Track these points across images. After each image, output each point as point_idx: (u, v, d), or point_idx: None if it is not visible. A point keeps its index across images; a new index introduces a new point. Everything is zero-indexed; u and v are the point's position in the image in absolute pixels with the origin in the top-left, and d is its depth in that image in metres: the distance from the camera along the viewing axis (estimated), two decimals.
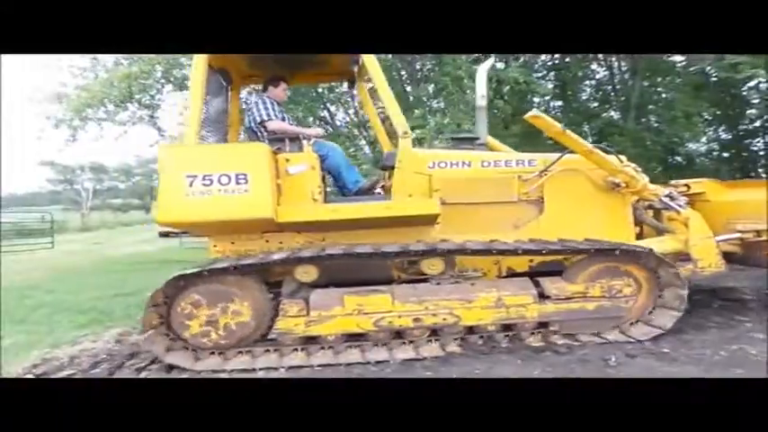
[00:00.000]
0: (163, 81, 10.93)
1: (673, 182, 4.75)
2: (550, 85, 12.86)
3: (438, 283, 3.71)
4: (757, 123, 14.12)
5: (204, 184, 3.47)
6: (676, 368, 3.10)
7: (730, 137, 14.45)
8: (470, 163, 4.16)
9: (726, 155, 14.60)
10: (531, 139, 9.55)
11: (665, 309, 3.69)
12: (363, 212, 3.76)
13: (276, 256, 3.50)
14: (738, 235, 4.11)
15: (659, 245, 3.93)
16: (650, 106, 12.76)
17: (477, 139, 4.50)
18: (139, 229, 24.92)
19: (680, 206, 4.04)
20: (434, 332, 3.66)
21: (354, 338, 3.62)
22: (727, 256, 4.05)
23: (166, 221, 3.61)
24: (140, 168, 45.20)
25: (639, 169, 4.10)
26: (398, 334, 3.63)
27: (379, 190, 4.44)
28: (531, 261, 4.08)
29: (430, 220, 3.89)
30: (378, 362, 3.42)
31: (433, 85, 10.61)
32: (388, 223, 3.90)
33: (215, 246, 4.00)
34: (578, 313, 3.64)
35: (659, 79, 13.00)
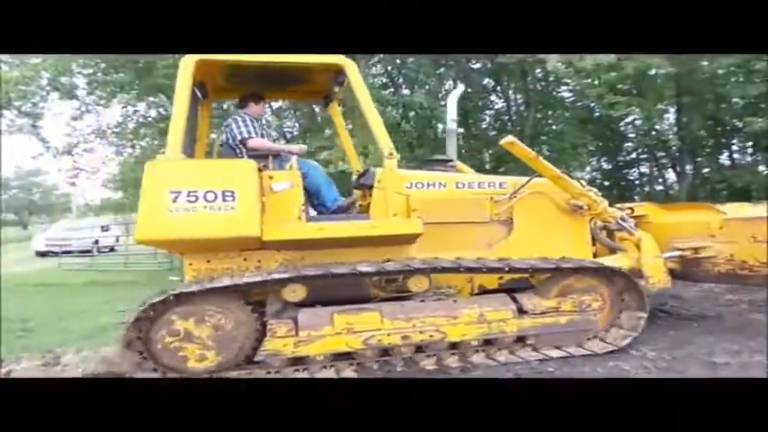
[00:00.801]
0: (48, 89, 10.27)
1: (618, 205, 5.20)
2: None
3: (422, 301, 3.82)
4: (633, 155, 16.31)
5: (189, 201, 3.37)
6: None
7: (611, 167, 16.53)
8: (446, 184, 4.34)
9: (607, 183, 16.47)
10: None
11: (632, 315, 4.03)
12: (349, 231, 3.80)
13: (285, 275, 3.49)
14: (679, 253, 4.57)
15: (616, 263, 4.29)
16: (543, 137, 14.08)
17: (451, 160, 4.70)
18: (15, 248, 22.28)
19: (632, 228, 4.44)
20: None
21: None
22: (670, 273, 4.50)
23: (147, 239, 3.45)
24: (18, 181, 41.85)
25: (600, 194, 4.47)
26: (385, 352, 3.68)
27: (356, 208, 4.49)
28: (501, 278, 4.30)
29: (412, 239, 4.00)
30: None
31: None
32: (368, 242, 3.96)
33: (190, 264, 3.86)
34: (552, 327, 3.88)
35: (550, 112, 14.53)
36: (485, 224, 4.40)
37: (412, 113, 10.99)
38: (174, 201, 3.35)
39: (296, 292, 3.61)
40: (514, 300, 3.89)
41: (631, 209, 4.99)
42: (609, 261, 4.26)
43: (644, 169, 16.76)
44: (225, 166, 3.73)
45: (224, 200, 3.42)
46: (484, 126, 15.20)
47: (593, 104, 12.19)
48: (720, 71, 11.65)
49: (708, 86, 12.50)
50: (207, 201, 3.40)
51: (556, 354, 3.82)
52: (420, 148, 11.89)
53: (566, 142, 13.24)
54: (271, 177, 3.78)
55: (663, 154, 15.08)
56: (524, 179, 4.45)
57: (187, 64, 3.67)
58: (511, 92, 14.53)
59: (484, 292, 4.26)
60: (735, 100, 12.61)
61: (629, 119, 13.68)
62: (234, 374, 3.32)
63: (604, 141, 15.58)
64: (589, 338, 3.99)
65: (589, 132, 14.18)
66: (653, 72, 11.19)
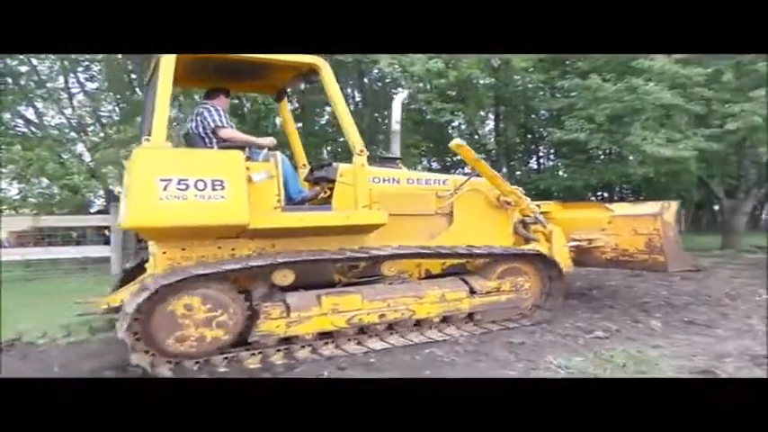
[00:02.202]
0: None
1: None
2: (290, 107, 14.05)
3: (390, 284, 4.25)
4: (458, 157, 18.03)
5: (179, 189, 3.43)
6: (377, 376, 3.34)
7: (439, 167, 18.06)
8: (399, 180, 4.82)
9: None
10: None
11: (553, 297, 4.89)
12: (325, 221, 4.11)
13: (282, 258, 3.74)
14: (576, 243, 5.59)
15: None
16: (379, 135, 14.85)
17: (399, 158, 5.19)
18: None
19: (545, 221, 5.34)
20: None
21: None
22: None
23: (136, 226, 3.45)
24: None
25: (524, 192, 5.29)
26: (361, 330, 4.05)
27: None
28: (444, 264, 4.89)
29: (375, 228, 4.41)
30: None
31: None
32: (335, 231, 4.28)
33: (164, 252, 3.85)
34: (495, 305, 4.58)
35: (386, 112, 15.20)
36: (430, 216, 4.96)
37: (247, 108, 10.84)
38: (165, 189, 3.39)
39: (286, 277, 3.82)
40: (466, 282, 4.50)
41: (538, 205, 5.93)
42: (538, 250, 5.09)
43: (467, 170, 18.65)
44: (213, 156, 3.81)
45: (213, 188, 3.53)
46: (323, 123, 15.30)
47: (424, 107, 13.04)
48: (530, 86, 13.56)
49: (520, 98, 14.43)
50: (197, 189, 3.49)
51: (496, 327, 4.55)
52: None
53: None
54: (248, 168, 3.92)
55: (483, 156, 16.88)
56: (463, 178, 5.12)
57: (169, 62, 3.66)
58: (348, 90, 14.87)
59: (428, 276, 4.81)
60: (542, 112, 14.76)
61: (455, 123, 15.24)
62: (233, 375, 3.40)
63: (434, 143, 16.64)
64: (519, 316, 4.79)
65: (420, 134, 15.13)
66: (474, 81, 12.49)
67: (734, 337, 4.34)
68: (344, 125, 4.30)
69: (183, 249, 3.87)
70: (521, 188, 5.32)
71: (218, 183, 3.55)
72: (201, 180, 3.50)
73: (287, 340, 3.81)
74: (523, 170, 16.52)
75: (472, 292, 4.46)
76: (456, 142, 4.70)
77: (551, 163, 16.80)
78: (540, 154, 17.42)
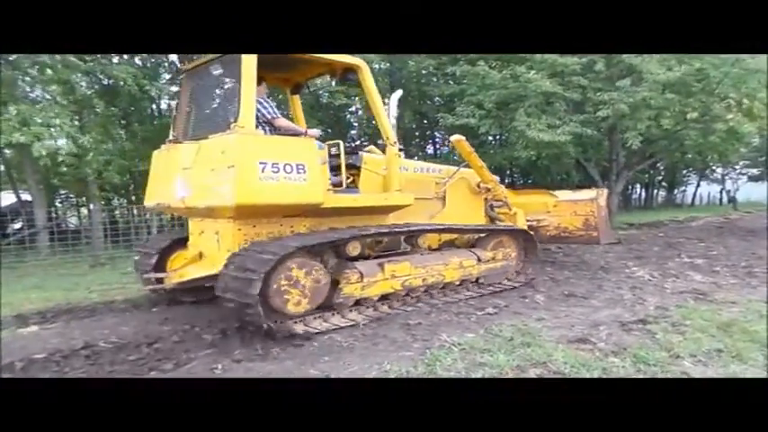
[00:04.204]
0: None
1: None
2: (174, 88, 12.83)
3: (422, 254, 5.07)
4: (358, 142, 18.89)
5: (273, 171, 3.96)
6: (274, 365, 3.36)
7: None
8: (408, 168, 5.63)
9: None
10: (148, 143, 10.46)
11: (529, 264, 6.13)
12: (372, 201, 4.82)
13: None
14: (528, 223, 6.89)
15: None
16: None
17: (402, 150, 5.96)
18: None
19: (511, 205, 6.55)
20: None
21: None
22: None
23: (243, 203, 3.85)
24: None
25: (499, 179, 6.42)
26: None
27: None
28: (440, 240, 5.81)
29: (402, 208, 5.17)
30: None
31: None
32: (374, 210, 4.98)
33: (239, 229, 4.25)
34: (493, 270, 5.65)
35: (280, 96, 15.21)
36: (430, 200, 5.85)
37: (122, 85, 9.78)
38: (263, 171, 3.90)
39: (356, 248, 4.46)
40: (473, 253, 5.49)
41: None
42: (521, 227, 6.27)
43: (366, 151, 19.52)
44: (296, 143, 4.29)
45: (297, 172, 4.09)
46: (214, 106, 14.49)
47: (320, 92, 12.88)
48: (423, 71, 13.98)
49: (414, 84, 14.80)
50: (285, 172, 4.03)
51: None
52: (131, 126, 11.81)
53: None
54: None
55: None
56: (454, 168, 6.09)
57: (252, 60, 4.07)
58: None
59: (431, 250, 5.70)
60: (436, 98, 15.09)
61: (352, 108, 15.06)
62: (233, 375, 3.29)
63: (333, 128, 16.33)
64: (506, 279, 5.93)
65: (317, 118, 14.63)
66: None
67: (607, 306, 4.84)
68: (380, 120, 5.03)
69: (254, 226, 4.33)
70: (497, 177, 6.45)
71: (301, 167, 4.11)
72: (289, 164, 4.04)
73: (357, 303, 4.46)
74: (420, 155, 16.92)
75: (479, 260, 5.45)
76: (457, 138, 5.65)
77: (446, 149, 17.00)
78: (437, 139, 17.99)
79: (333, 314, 4.31)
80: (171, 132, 4.96)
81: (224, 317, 4.33)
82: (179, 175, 4.38)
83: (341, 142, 4.79)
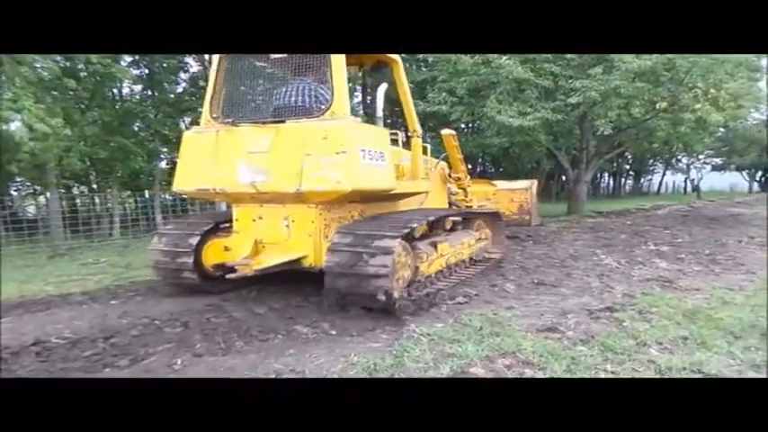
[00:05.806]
0: None
1: None
2: (135, 71, 12.82)
3: (447, 236, 5.22)
4: None
5: (369, 158, 4.08)
6: (237, 359, 3.23)
7: None
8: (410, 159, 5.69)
9: None
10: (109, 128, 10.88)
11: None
12: (412, 188, 5.13)
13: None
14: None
15: None
16: (198, 109, 14.40)
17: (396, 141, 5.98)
18: None
19: (470, 193, 6.76)
20: None
21: None
22: None
23: (353, 188, 3.91)
24: None
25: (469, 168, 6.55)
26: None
27: None
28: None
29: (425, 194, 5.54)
30: None
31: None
32: (404, 196, 5.19)
33: (320, 213, 4.31)
34: (481, 249, 6.01)
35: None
36: None
37: (81, 66, 9.67)
38: (363, 158, 4.00)
39: (420, 230, 4.69)
40: (471, 234, 5.77)
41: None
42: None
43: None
44: (378, 132, 4.47)
45: (381, 159, 4.23)
46: (179, 91, 14.26)
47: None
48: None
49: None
50: (374, 159, 4.17)
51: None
52: (93, 110, 11.40)
53: None
54: None
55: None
56: (436, 160, 6.29)
57: (342, 59, 4.17)
58: (206, 57, 12.79)
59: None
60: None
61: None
62: (230, 375, 3.30)
63: None
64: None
65: None
66: None
67: (575, 294, 4.81)
68: (407, 112, 5.28)
69: (329, 211, 4.38)
70: (469, 166, 6.53)
71: (382, 154, 4.26)
72: (376, 151, 4.18)
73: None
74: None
75: (476, 240, 5.81)
76: (448, 132, 5.89)
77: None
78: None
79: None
80: (208, 113, 4.61)
81: (185, 311, 4.18)
82: (242, 160, 4.22)
83: (399, 132, 5.08)
